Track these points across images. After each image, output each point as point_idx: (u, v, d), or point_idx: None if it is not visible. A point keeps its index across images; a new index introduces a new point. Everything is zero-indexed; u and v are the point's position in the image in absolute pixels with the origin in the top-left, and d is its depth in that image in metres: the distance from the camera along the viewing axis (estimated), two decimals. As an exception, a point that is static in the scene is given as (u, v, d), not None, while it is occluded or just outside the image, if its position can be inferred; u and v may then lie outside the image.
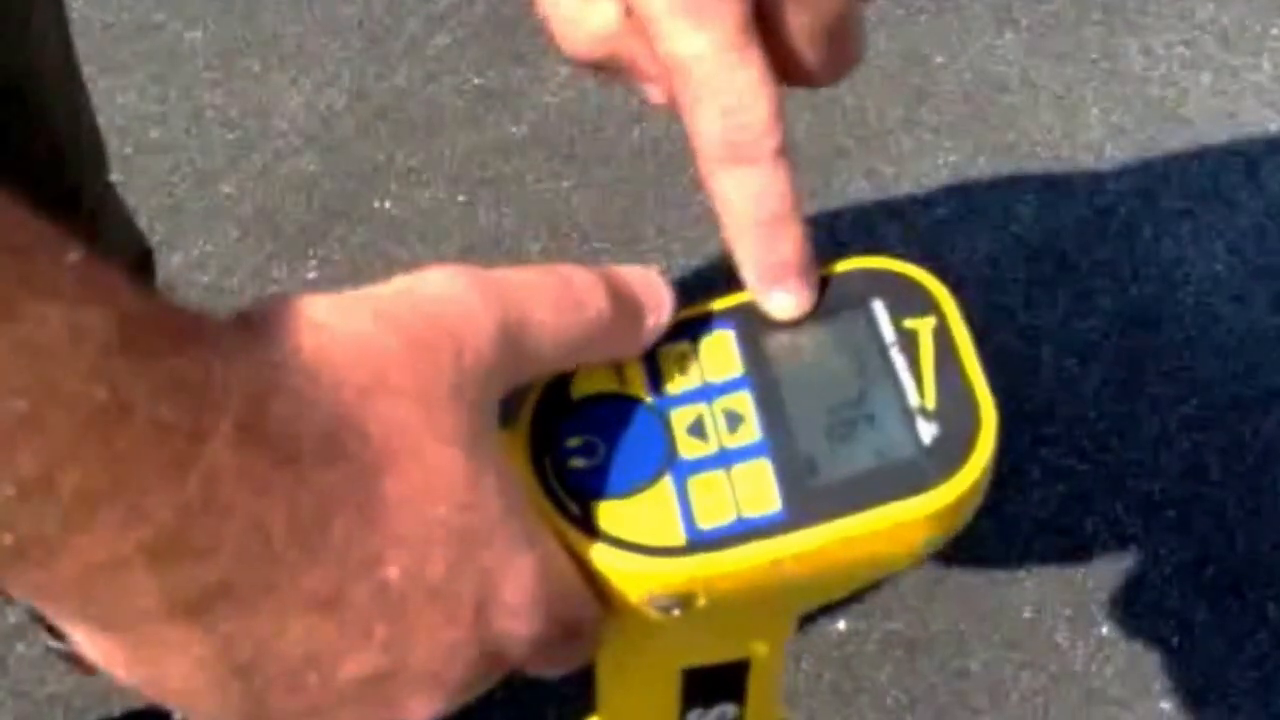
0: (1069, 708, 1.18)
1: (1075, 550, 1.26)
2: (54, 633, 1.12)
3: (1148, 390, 1.35)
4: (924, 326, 0.36)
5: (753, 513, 0.34)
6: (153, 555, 0.26)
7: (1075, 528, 1.27)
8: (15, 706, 1.17)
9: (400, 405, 0.30)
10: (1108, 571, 1.25)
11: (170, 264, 1.43)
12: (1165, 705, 1.18)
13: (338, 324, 0.30)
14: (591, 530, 0.34)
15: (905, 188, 1.52)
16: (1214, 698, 1.18)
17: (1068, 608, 1.23)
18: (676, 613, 0.34)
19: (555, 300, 0.33)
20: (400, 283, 0.32)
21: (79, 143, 0.76)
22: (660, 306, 0.36)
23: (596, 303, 0.34)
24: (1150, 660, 1.21)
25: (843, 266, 0.38)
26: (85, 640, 0.28)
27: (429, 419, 0.30)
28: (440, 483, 0.30)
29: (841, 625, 1.21)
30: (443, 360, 0.31)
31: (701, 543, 0.34)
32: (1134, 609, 1.23)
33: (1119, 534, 1.27)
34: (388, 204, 1.51)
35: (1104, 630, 1.22)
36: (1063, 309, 1.41)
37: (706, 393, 0.36)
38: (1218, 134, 1.56)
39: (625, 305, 0.35)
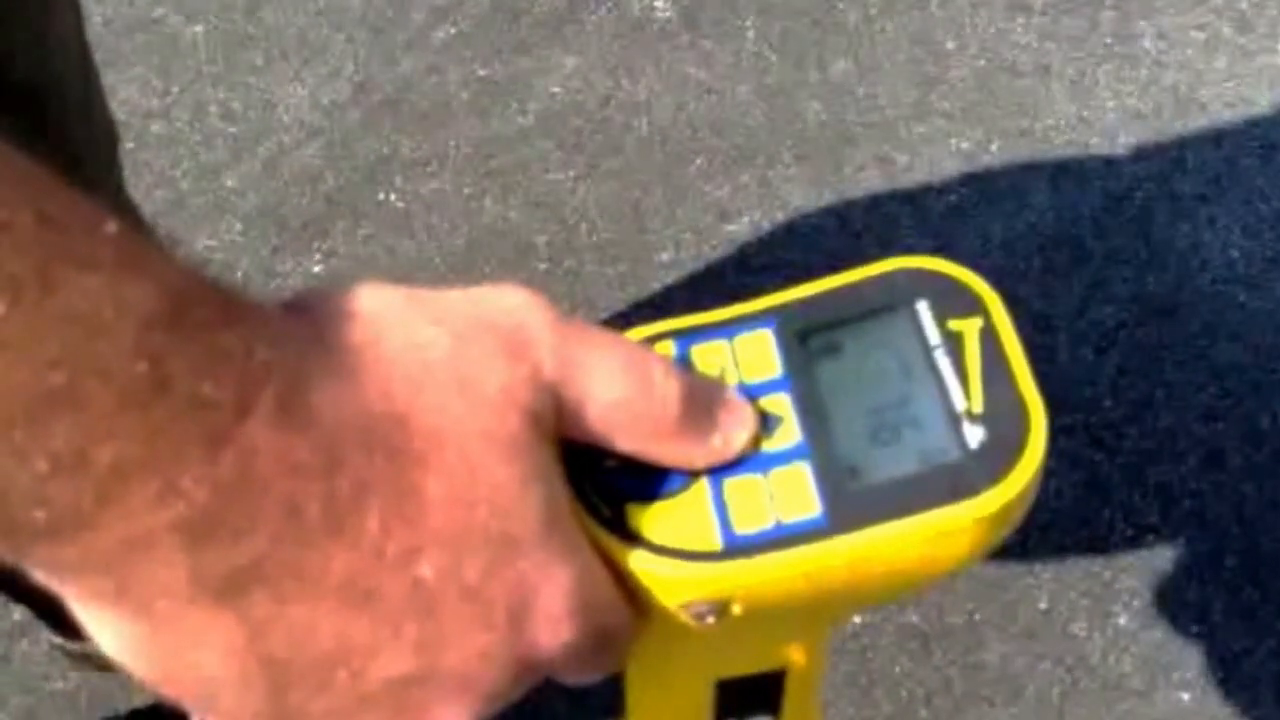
0: (1087, 700, 1.16)
1: (1092, 541, 1.24)
2: (58, 629, 1.11)
3: (1165, 378, 1.33)
4: (970, 328, 0.34)
5: (791, 518, 0.32)
6: (186, 533, 0.25)
7: (1092, 518, 1.25)
8: (19, 703, 1.16)
9: (449, 401, 0.29)
10: (1125, 562, 1.23)
11: (174, 259, 1.42)
12: (1185, 696, 1.16)
13: (391, 317, 0.29)
14: (625, 534, 0.33)
15: (917, 175, 1.50)
16: (1234, 689, 1.17)
17: (1085, 598, 1.21)
18: (711, 620, 0.33)
19: (624, 364, 0.32)
20: (465, 289, 0.31)
21: (95, 148, 0.77)
22: (733, 435, 0.33)
23: (665, 392, 0.32)
24: (1169, 651, 1.19)
25: (885, 266, 0.36)
26: (110, 627, 0.27)
27: (475, 418, 0.29)
28: (483, 486, 0.29)
29: (856, 618, 1.19)
30: (495, 360, 0.30)
31: (738, 548, 0.32)
32: (1152, 599, 1.21)
33: (1136, 524, 1.25)
34: (393, 196, 1.49)
35: (1122, 620, 1.20)
36: (1078, 297, 1.39)
37: (744, 394, 0.35)
38: (1234, 119, 1.53)
39: (695, 412, 0.33)
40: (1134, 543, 1.24)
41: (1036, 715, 1.16)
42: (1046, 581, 1.22)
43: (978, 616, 1.20)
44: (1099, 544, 1.24)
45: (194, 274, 0.26)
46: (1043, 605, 1.21)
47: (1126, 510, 1.26)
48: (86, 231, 0.25)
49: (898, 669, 1.18)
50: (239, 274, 1.44)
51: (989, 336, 0.34)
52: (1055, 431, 1.27)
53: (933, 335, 0.35)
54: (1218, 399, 1.32)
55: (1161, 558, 1.23)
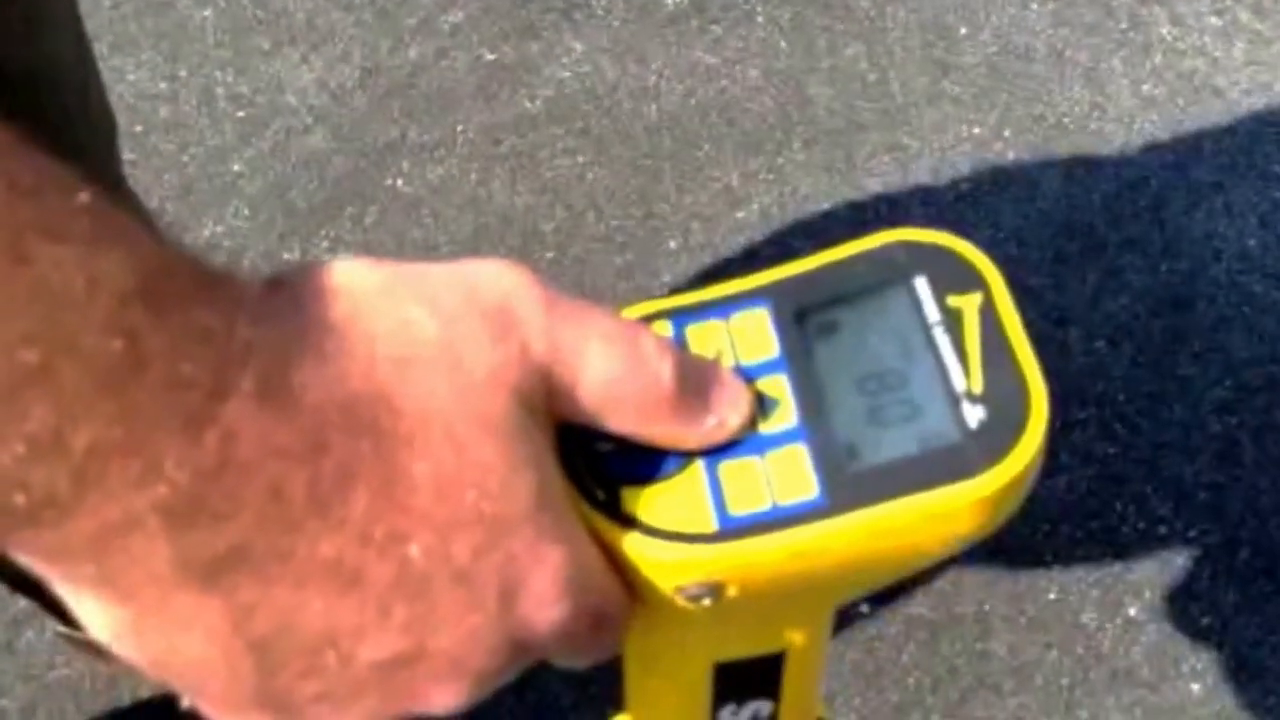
0: (1096, 690, 1.15)
1: (1104, 533, 1.23)
2: (64, 618, 1.11)
3: (1179, 372, 1.32)
4: (969, 304, 0.34)
5: (788, 499, 0.32)
6: (168, 516, 0.25)
7: (1104, 510, 1.24)
8: (23, 691, 1.16)
9: (435, 382, 0.28)
10: (1136, 553, 1.22)
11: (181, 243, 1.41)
12: (1194, 687, 1.15)
13: (375, 295, 0.29)
14: (619, 517, 0.32)
15: (928, 162, 1.48)
16: (1244, 681, 1.15)
17: (1095, 589, 1.20)
18: (707, 602, 0.33)
19: (616, 341, 0.31)
20: (451, 265, 0.31)
21: (92, 133, 0.76)
22: (728, 416, 0.33)
23: (658, 371, 0.31)
24: (1179, 642, 1.17)
25: (884, 239, 0.36)
26: (96, 611, 0.27)
27: (462, 399, 0.29)
28: (471, 468, 0.29)
29: (864, 606, 1.18)
30: (482, 339, 0.29)
31: (734, 529, 0.32)
32: (1163, 591, 1.20)
33: (1149, 516, 1.24)
34: (400, 181, 1.49)
35: (1132, 611, 1.19)
36: (1091, 287, 1.38)
37: (741, 375, 0.34)
38: (1251, 105, 1.52)
39: (689, 393, 0.32)
40: (1146, 535, 1.23)
41: (1044, 705, 1.15)
42: (1056, 572, 1.21)
43: (986, 607, 1.19)
44: (1110, 536, 1.23)
45: (170, 247, 0.26)
46: (1052, 596, 1.19)
47: (1139, 503, 1.24)
48: (60, 201, 0.24)
49: (905, 658, 1.17)
50: (246, 258, 1.43)
51: (989, 313, 0.34)
52: (1068, 425, 1.24)
53: (931, 312, 0.34)
54: (1233, 392, 1.30)
55: (1173, 550, 1.22)
